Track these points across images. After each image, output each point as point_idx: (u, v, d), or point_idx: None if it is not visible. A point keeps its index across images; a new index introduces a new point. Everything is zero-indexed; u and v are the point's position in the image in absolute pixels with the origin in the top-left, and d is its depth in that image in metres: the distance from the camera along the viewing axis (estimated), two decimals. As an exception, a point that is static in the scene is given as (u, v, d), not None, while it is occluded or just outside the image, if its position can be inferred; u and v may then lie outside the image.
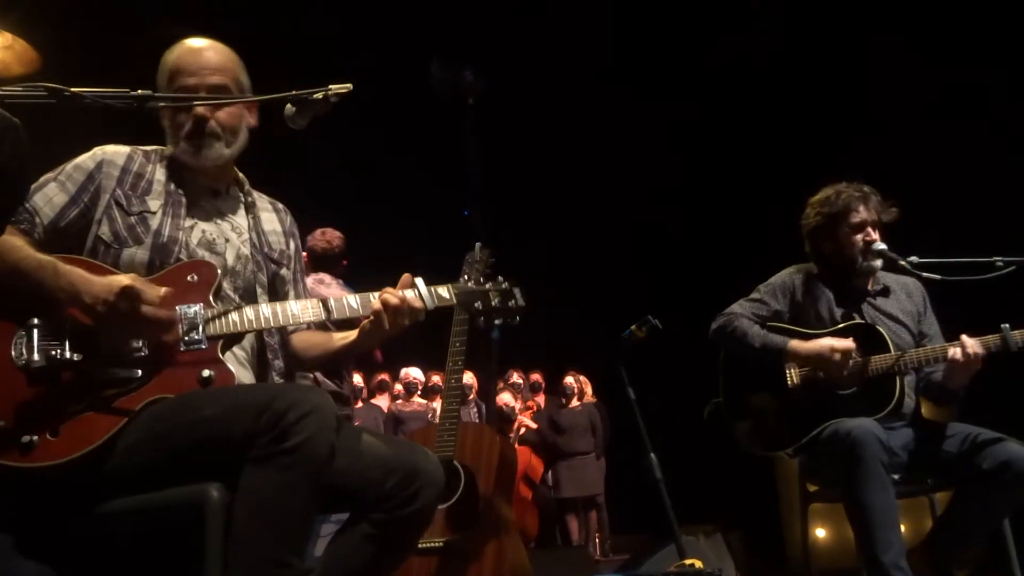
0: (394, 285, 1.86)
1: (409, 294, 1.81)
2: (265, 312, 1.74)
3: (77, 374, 1.56)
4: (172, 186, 1.81)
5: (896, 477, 2.60)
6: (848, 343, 2.66)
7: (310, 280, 4.18)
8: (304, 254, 4.31)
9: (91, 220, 1.74)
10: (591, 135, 7.68)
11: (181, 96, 1.79)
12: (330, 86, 1.67)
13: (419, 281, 1.82)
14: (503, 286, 1.90)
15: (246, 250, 1.86)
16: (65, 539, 1.59)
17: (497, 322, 1.92)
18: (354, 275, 4.60)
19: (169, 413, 1.57)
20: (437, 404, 6.84)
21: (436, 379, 7.06)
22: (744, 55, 6.74)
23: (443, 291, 1.85)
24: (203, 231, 1.81)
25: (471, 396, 6.89)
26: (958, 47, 5.63)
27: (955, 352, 2.58)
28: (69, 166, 1.78)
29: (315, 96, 1.67)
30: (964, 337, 2.60)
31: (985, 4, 5.51)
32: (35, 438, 1.50)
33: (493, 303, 1.88)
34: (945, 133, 5.68)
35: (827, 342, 2.68)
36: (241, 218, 1.91)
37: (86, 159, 1.79)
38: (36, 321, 1.56)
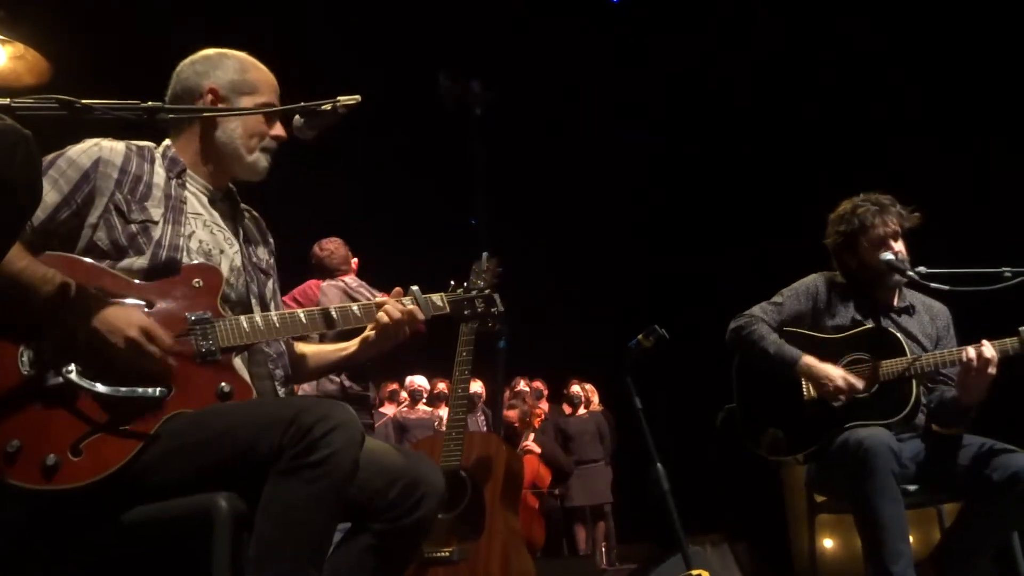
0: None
1: (408, 305, 1.87)
2: (275, 321, 1.74)
3: (91, 391, 1.51)
4: (172, 190, 1.76)
5: (912, 488, 2.59)
6: (857, 383, 2.63)
7: (336, 282, 4.26)
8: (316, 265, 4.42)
9: (83, 221, 1.66)
10: (597, 144, 7.70)
11: (189, 108, 1.80)
12: (339, 97, 1.68)
13: (415, 289, 1.90)
14: (485, 292, 2.01)
15: (238, 261, 1.83)
16: (73, 551, 1.59)
17: (497, 329, 2.03)
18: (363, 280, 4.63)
19: (190, 428, 1.56)
20: (442, 411, 6.83)
21: (441, 386, 7.05)
22: (752, 60, 6.75)
23: (436, 299, 1.95)
24: (200, 241, 1.77)
25: (479, 404, 6.88)
26: (965, 54, 5.62)
27: (967, 352, 2.53)
28: (62, 160, 1.67)
29: (323, 107, 1.69)
30: (985, 341, 2.55)
31: (995, 8, 5.50)
32: (58, 459, 1.45)
33: (478, 309, 2.00)
34: (953, 141, 5.67)
35: (839, 373, 2.65)
36: (231, 228, 1.88)
37: (80, 155, 1.69)
38: (44, 335, 1.50)
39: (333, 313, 1.82)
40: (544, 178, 7.76)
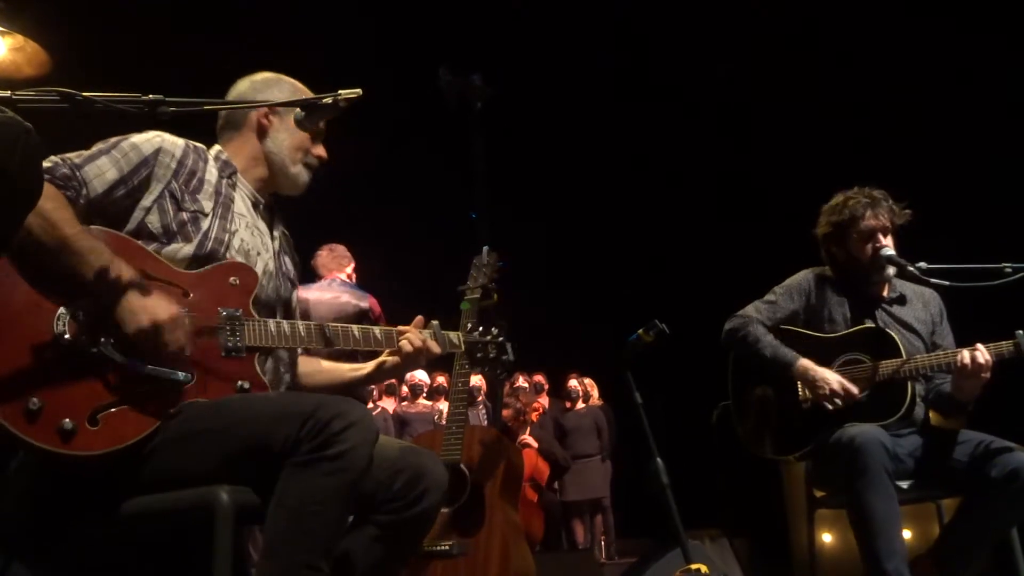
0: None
1: (428, 338, 1.95)
2: (300, 330, 1.79)
3: (120, 364, 1.54)
4: (222, 188, 1.83)
5: (905, 485, 2.59)
6: (853, 389, 2.63)
7: (323, 284, 4.24)
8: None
9: (135, 203, 1.71)
10: (598, 139, 7.69)
11: (190, 101, 1.80)
12: (340, 91, 1.68)
13: (435, 324, 1.99)
14: (499, 339, 2.10)
15: (272, 266, 1.89)
16: (75, 545, 1.60)
17: (499, 374, 2.15)
18: (364, 277, 4.63)
19: (206, 416, 1.59)
20: (442, 405, 6.84)
21: (441, 379, 7.06)
22: (754, 57, 6.74)
23: (454, 337, 2.05)
24: (242, 240, 1.83)
25: (479, 398, 6.88)
26: (965, 53, 5.62)
27: (963, 357, 2.54)
28: (126, 143, 1.74)
29: (325, 101, 1.69)
30: (979, 345, 2.55)
31: (995, 7, 5.50)
32: (75, 424, 1.47)
33: (491, 355, 2.09)
34: (956, 138, 5.66)
35: (835, 377, 2.65)
36: (268, 235, 1.94)
37: (144, 141, 1.76)
38: (83, 302, 1.52)
39: (356, 332, 1.89)
40: (544, 172, 7.75)
